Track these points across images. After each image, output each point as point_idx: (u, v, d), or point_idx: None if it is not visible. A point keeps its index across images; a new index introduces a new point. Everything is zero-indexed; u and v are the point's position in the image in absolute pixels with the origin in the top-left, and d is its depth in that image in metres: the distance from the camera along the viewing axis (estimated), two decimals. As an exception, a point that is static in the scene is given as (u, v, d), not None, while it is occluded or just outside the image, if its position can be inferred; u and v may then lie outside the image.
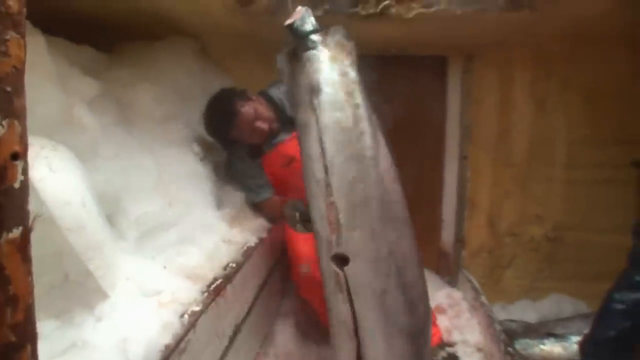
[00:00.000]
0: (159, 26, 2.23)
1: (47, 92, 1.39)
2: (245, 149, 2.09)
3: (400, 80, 2.72)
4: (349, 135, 1.37)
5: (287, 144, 2.07)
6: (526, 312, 2.72)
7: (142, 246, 1.50)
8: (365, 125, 1.39)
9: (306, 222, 1.81)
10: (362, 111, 1.40)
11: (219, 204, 1.96)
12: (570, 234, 2.66)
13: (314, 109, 1.38)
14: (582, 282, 2.69)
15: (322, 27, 1.43)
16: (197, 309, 1.20)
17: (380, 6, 2.01)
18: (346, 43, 1.44)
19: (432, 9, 2.00)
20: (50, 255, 1.14)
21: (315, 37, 1.40)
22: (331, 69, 1.39)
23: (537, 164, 2.70)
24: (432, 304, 2.30)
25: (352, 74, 1.43)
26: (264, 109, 2.00)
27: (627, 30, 2.37)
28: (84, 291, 1.18)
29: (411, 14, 2.02)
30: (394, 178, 1.46)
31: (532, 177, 2.71)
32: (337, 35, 1.43)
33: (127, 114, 1.86)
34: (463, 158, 2.70)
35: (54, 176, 1.10)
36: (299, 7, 1.44)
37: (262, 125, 1.96)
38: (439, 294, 2.54)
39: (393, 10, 2.02)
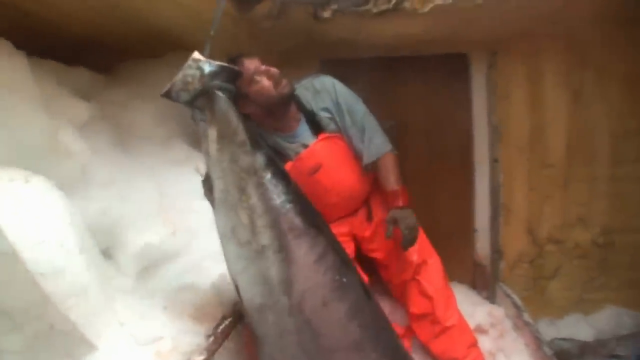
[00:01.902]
0: (159, 43, 2.11)
1: (29, 117, 1.27)
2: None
3: (418, 82, 2.56)
4: (248, 250, 1.11)
5: (314, 147, 1.87)
6: (578, 327, 2.46)
7: (143, 282, 1.36)
8: (266, 237, 1.10)
9: None
10: (261, 215, 1.11)
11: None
12: (621, 237, 2.41)
13: (212, 205, 1.19)
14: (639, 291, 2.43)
15: (215, 80, 1.17)
16: (200, 358, 1.02)
17: (394, 1, 1.85)
18: (231, 114, 1.17)
19: (451, 0, 1.82)
20: (34, 304, 0.99)
21: (202, 102, 1.16)
22: (220, 154, 1.15)
23: (577, 162, 2.46)
24: (471, 323, 2.09)
25: (244, 158, 1.15)
26: (276, 72, 1.72)
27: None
28: (69, 342, 1.02)
29: (427, 8, 1.87)
30: (323, 301, 1.14)
31: (573, 177, 2.48)
32: (221, 104, 1.16)
33: (124, 136, 1.74)
34: (494, 161, 2.49)
35: (24, 214, 0.94)
36: (192, 55, 1.21)
37: (266, 82, 1.69)
38: (478, 313, 2.30)
39: (407, 5, 1.87)
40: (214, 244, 1.59)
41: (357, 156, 1.91)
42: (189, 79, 1.13)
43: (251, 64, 1.68)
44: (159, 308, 1.22)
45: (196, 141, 1.97)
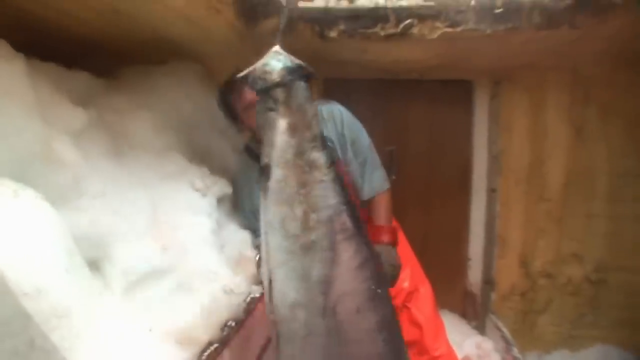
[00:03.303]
0: (162, 51, 2.09)
1: (24, 124, 1.22)
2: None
3: (422, 106, 2.57)
4: (293, 244, 1.09)
5: None
6: (566, 364, 2.44)
7: (129, 300, 1.30)
8: (317, 233, 1.08)
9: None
10: (317, 211, 1.10)
11: (223, 245, 1.75)
12: (614, 276, 2.41)
13: (263, 193, 1.16)
14: (630, 330, 2.43)
15: (290, 77, 1.14)
16: (183, 387, 0.98)
17: (401, 26, 1.83)
18: (309, 107, 1.15)
19: (459, 29, 1.82)
20: (15, 317, 0.94)
21: (277, 93, 1.13)
22: (287, 145, 1.13)
23: (575, 197, 2.47)
24: (459, 354, 2.07)
25: (312, 154, 1.14)
26: None
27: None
28: (49, 361, 0.97)
29: (435, 35, 1.85)
30: (358, 308, 1.12)
31: (570, 212, 2.48)
32: (299, 95, 1.14)
33: (120, 144, 1.69)
34: (492, 191, 2.49)
35: (9, 231, 0.91)
36: (274, 48, 1.19)
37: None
38: (467, 344, 2.30)
39: (415, 31, 1.85)
40: (205, 262, 1.57)
41: (353, 189, 1.90)
42: (268, 69, 1.12)
43: (245, 95, 1.69)
44: (144, 330, 1.18)
45: (194, 152, 1.94)
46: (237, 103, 1.73)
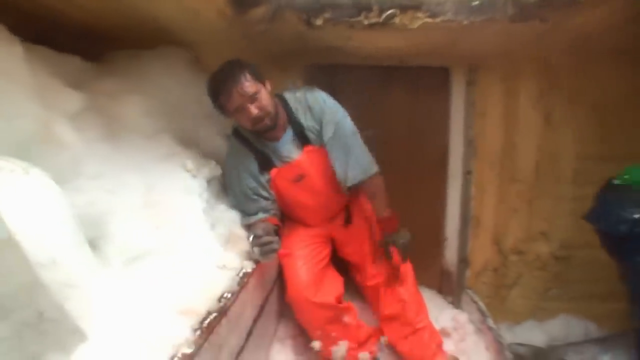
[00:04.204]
0: (151, 36, 2.12)
1: (24, 106, 1.27)
2: (254, 160, 1.95)
3: (402, 92, 2.65)
4: None
5: (300, 159, 1.95)
6: (533, 333, 2.62)
7: (129, 275, 1.37)
8: None
9: (262, 245, 1.68)
10: None
11: (213, 224, 1.83)
12: (578, 252, 2.57)
13: None
14: (591, 302, 2.61)
15: None
16: (188, 350, 1.07)
17: (384, 15, 1.91)
18: None
19: (438, 19, 1.90)
20: (23, 290, 1.00)
21: None
22: None
23: (544, 180, 2.61)
24: (436, 326, 2.20)
25: None
26: (268, 100, 1.81)
27: (633, 46, 2.30)
28: (60, 332, 1.04)
29: (416, 25, 1.93)
30: None
31: (539, 193, 2.62)
32: None
33: (113, 128, 1.74)
34: (467, 173, 2.60)
35: (24, 205, 0.97)
36: None
37: (253, 110, 1.76)
38: (443, 316, 2.42)
39: (397, 20, 1.92)
40: (197, 240, 1.64)
41: (337, 177, 1.97)
42: None
43: (250, 88, 1.74)
44: (146, 301, 1.25)
45: (183, 135, 1.99)
46: (227, 104, 1.77)
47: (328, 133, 1.93)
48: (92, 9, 1.76)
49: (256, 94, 1.76)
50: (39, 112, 1.31)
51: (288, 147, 1.95)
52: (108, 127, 1.71)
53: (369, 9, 1.89)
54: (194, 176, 1.84)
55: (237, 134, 2.00)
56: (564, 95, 2.53)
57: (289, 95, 1.98)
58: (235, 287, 1.45)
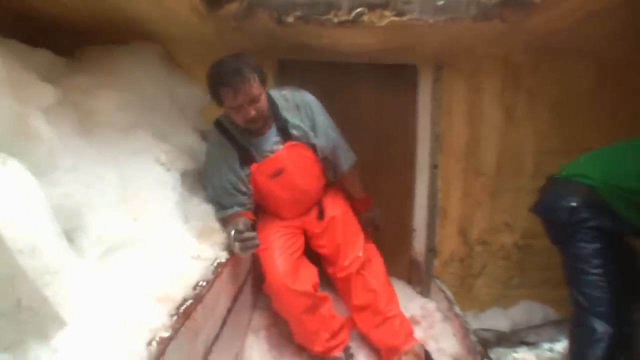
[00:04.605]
0: (123, 31, 2.13)
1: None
2: (236, 154, 2.00)
3: (371, 88, 2.71)
4: None
5: (279, 153, 2.01)
6: (498, 319, 2.74)
7: (105, 266, 1.40)
8: None
9: (244, 241, 1.73)
10: None
11: (187, 217, 1.86)
12: (537, 242, 2.67)
13: None
14: (549, 288, 2.74)
15: None
16: (166, 334, 1.11)
17: (353, 14, 1.98)
18: None
19: (405, 18, 1.98)
20: (3, 279, 1.03)
21: None
22: None
23: (506, 173, 2.73)
24: (406, 314, 2.28)
25: None
26: (265, 104, 1.91)
27: (588, 45, 2.45)
28: (39, 319, 1.07)
29: (383, 22, 2.01)
30: None
31: (502, 186, 2.74)
32: None
33: (87, 122, 1.75)
34: (434, 168, 2.69)
35: (2, 195, 0.99)
36: None
37: (252, 111, 1.83)
38: (412, 305, 2.51)
39: (365, 18, 2.00)
40: (173, 233, 1.68)
41: (326, 167, 2.21)
42: None
43: (255, 90, 1.81)
44: (123, 290, 1.28)
45: (156, 130, 2.01)
46: (228, 99, 1.81)
47: (323, 138, 2.10)
48: (63, 2, 1.76)
49: (258, 97, 1.83)
50: (13, 106, 1.31)
51: (270, 143, 2.02)
52: (82, 122, 1.72)
53: (338, 7, 1.96)
54: (168, 169, 1.87)
55: (220, 126, 2.04)
56: (524, 92, 2.65)
57: (274, 92, 2.06)
58: (210, 276, 1.49)
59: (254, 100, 1.82)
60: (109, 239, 1.47)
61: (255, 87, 1.81)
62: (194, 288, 1.38)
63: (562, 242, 1.98)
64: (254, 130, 1.94)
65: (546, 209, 2.07)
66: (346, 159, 2.22)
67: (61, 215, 1.35)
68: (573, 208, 1.87)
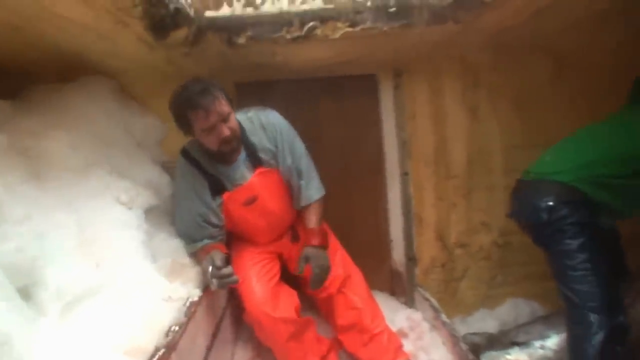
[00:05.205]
0: (73, 68, 2.04)
1: None
2: (205, 184, 1.91)
3: (332, 102, 2.69)
4: None
5: (252, 181, 1.94)
6: (486, 321, 2.71)
7: (67, 321, 1.30)
8: None
9: (222, 277, 1.66)
10: None
11: (155, 255, 1.77)
12: (516, 238, 2.67)
13: None
14: (533, 283, 2.74)
15: None
16: (138, 392, 1.02)
17: (305, 28, 1.94)
18: None
19: (359, 27, 1.96)
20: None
21: None
22: None
23: (477, 172, 2.72)
24: (393, 328, 2.23)
25: None
26: (236, 124, 1.83)
27: (542, 40, 2.48)
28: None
29: (337, 34, 1.98)
30: None
31: (474, 186, 2.73)
32: None
33: (38, 167, 1.65)
34: (404, 174, 2.67)
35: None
36: None
37: (225, 130, 1.75)
38: (398, 317, 2.46)
39: (319, 32, 1.96)
40: (138, 274, 1.58)
41: (291, 192, 2.05)
42: None
43: (223, 108, 1.74)
44: (88, 346, 1.19)
45: (114, 167, 1.92)
46: (198, 121, 1.72)
47: (287, 160, 1.97)
48: (0, 45, 1.67)
49: (229, 114, 1.76)
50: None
51: (241, 170, 1.94)
52: (32, 167, 1.62)
53: (289, 23, 1.92)
54: (130, 208, 1.78)
55: (187, 155, 1.95)
56: (485, 90, 2.66)
57: (240, 116, 1.96)
58: (183, 319, 1.41)
59: (225, 119, 1.75)
60: (70, 291, 1.38)
61: (225, 105, 1.75)
62: (166, 334, 1.30)
63: (545, 242, 1.96)
64: (228, 152, 1.85)
65: (524, 213, 2.05)
66: (309, 192, 2.03)
67: (14, 271, 1.26)
68: (551, 207, 1.85)
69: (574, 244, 1.80)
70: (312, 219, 2.02)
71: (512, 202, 2.13)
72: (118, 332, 1.26)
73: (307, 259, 1.91)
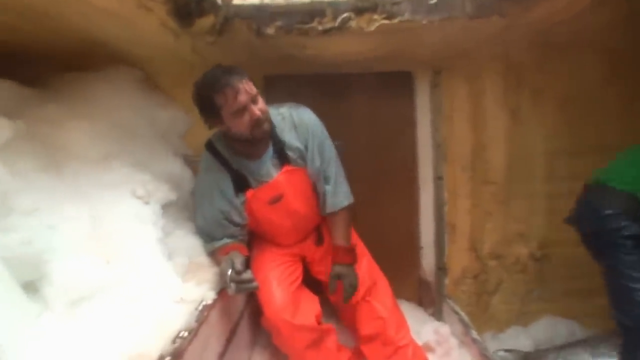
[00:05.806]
0: (95, 57, 2.01)
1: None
2: (229, 180, 1.81)
3: (364, 99, 2.58)
4: None
5: (278, 179, 1.83)
6: (518, 339, 2.56)
7: (72, 319, 1.23)
8: None
9: (241, 282, 1.55)
10: None
11: (171, 253, 1.69)
12: (556, 251, 2.52)
13: None
14: (573, 301, 2.57)
15: None
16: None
17: (339, 20, 1.84)
18: None
19: (396, 20, 1.84)
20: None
21: None
22: None
23: (516, 179, 2.56)
24: (419, 341, 2.10)
25: None
26: (265, 107, 1.70)
27: (595, 37, 2.29)
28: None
29: (373, 27, 1.86)
30: None
31: (512, 193, 2.57)
32: None
33: (55, 156, 1.61)
34: (438, 179, 2.53)
35: None
36: None
37: (256, 111, 1.63)
38: (425, 330, 2.33)
39: (353, 24, 1.86)
40: (152, 273, 1.50)
41: (317, 196, 1.94)
42: None
43: (248, 88, 1.62)
44: (92, 348, 1.12)
45: (135, 159, 1.85)
46: (228, 103, 1.60)
47: (316, 162, 1.86)
48: (27, 31, 1.63)
49: (257, 95, 1.67)
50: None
51: (267, 167, 1.82)
52: (49, 156, 1.58)
53: (322, 14, 1.82)
54: (147, 203, 1.71)
55: (212, 148, 1.85)
56: (528, 91, 2.49)
57: (271, 110, 1.82)
58: (194, 324, 1.32)
59: (254, 100, 1.64)
60: (78, 287, 1.31)
61: (252, 85, 1.65)
62: (173, 341, 1.20)
63: (603, 253, 1.85)
64: (259, 137, 1.72)
65: (582, 219, 1.96)
66: (336, 198, 1.92)
67: (18, 265, 1.20)
68: (612, 215, 1.77)
69: (632, 259, 1.69)
70: (341, 233, 1.93)
71: (576, 207, 2.04)
72: (123, 336, 1.19)
73: (338, 277, 1.88)
